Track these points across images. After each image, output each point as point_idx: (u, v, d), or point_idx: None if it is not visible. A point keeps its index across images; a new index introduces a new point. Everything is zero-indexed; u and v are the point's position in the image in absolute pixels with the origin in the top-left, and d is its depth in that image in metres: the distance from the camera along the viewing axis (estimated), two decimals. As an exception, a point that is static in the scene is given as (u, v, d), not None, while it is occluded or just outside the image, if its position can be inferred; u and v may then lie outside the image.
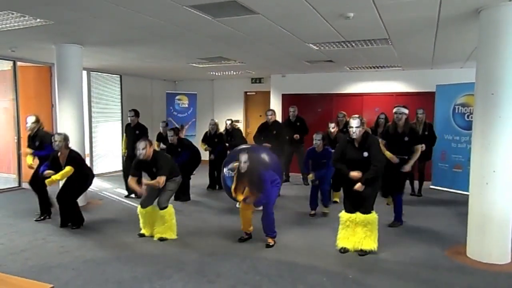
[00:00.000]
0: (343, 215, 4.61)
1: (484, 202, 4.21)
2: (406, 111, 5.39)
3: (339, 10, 4.43)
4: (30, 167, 5.75)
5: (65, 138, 5.29)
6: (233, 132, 8.30)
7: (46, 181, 5.17)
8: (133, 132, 7.07)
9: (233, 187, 4.90)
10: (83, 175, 5.40)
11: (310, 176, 6.05)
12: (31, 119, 5.80)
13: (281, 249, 4.67)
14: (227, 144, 8.05)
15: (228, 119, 8.53)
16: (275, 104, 10.64)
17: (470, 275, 3.97)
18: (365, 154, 4.39)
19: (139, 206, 5.13)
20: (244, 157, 4.65)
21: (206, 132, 8.04)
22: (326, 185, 6.20)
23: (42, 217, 5.78)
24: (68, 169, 5.16)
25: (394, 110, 5.43)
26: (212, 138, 7.98)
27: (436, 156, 8.36)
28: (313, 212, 6.22)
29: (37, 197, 5.81)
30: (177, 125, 9.25)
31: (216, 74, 10.62)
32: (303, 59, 7.90)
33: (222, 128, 8.35)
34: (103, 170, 10.13)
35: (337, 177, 6.80)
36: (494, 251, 4.22)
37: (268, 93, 10.95)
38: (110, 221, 5.79)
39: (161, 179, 4.81)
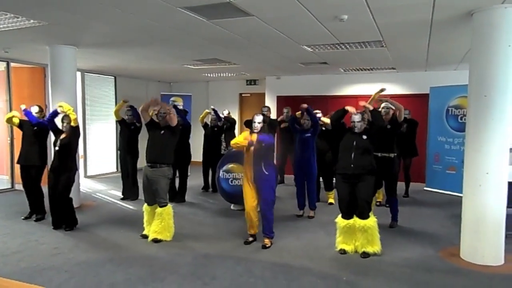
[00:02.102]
0: (340, 221, 4.59)
1: (478, 204, 4.24)
2: (393, 106, 5.55)
3: (333, 13, 4.44)
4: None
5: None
6: (230, 120, 8.35)
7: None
8: (129, 128, 7.13)
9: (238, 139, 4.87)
10: (71, 163, 5.41)
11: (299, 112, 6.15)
12: (34, 109, 5.80)
13: (276, 251, 4.66)
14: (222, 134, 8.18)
15: (224, 110, 8.63)
16: (270, 106, 10.57)
17: (464, 277, 3.99)
18: (364, 137, 4.46)
19: (145, 204, 5.15)
20: (259, 118, 4.78)
21: (207, 124, 8.08)
22: (313, 184, 6.21)
23: (29, 216, 5.89)
24: (74, 116, 5.32)
25: (382, 105, 5.59)
26: (213, 128, 8.05)
27: (429, 158, 8.43)
28: (300, 213, 6.25)
29: (27, 198, 5.88)
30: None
31: (211, 75, 10.62)
32: (297, 61, 7.92)
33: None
34: (96, 172, 10.08)
35: (327, 175, 6.83)
36: (488, 253, 4.24)
37: (263, 94, 10.97)
38: (103, 223, 5.75)
39: (175, 118, 5.05)
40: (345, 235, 4.58)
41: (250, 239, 4.95)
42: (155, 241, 4.91)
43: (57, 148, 5.35)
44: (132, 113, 7.14)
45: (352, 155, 4.45)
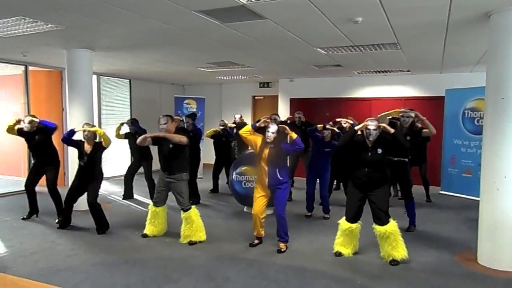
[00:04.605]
0: (343, 224, 4.54)
1: (495, 208, 4.16)
2: (413, 114, 5.53)
3: (348, 15, 4.42)
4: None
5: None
6: (241, 126, 8.33)
7: (96, 130, 5.41)
8: (134, 138, 7.17)
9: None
10: (98, 170, 5.52)
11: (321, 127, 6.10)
12: (27, 119, 5.73)
13: (289, 254, 4.65)
14: (234, 142, 8.19)
15: (237, 113, 8.62)
16: (283, 109, 10.65)
17: (481, 282, 3.92)
18: (379, 151, 4.33)
19: (151, 204, 5.24)
20: (273, 128, 4.63)
21: (216, 131, 8.06)
22: (325, 191, 6.23)
23: (29, 216, 6.04)
24: (110, 140, 5.39)
25: (401, 114, 5.55)
26: (221, 137, 8.04)
27: (445, 161, 8.31)
28: (309, 214, 6.31)
29: (28, 198, 6.01)
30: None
31: (224, 78, 10.66)
32: (311, 63, 7.90)
33: (230, 122, 8.56)
34: (111, 174, 10.17)
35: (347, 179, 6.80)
36: (505, 258, 4.15)
37: (276, 97, 10.97)
38: (118, 225, 5.81)
39: (183, 138, 4.91)
40: (345, 238, 4.54)
41: (256, 241, 4.94)
42: (191, 243, 4.93)
43: (83, 163, 5.35)
44: (133, 126, 7.29)
45: (366, 169, 4.35)
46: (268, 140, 4.64)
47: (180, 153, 5.03)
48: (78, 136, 5.56)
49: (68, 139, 5.43)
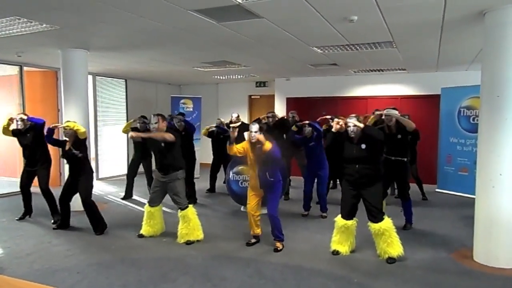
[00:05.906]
0: (339, 221, 4.57)
1: (491, 205, 4.18)
2: (396, 112, 5.43)
3: (343, 14, 4.43)
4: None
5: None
6: (244, 127, 8.29)
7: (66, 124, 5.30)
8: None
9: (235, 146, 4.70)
10: (87, 166, 5.47)
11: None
12: (19, 117, 5.71)
13: (286, 253, 4.65)
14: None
15: (233, 113, 8.59)
16: (280, 108, 10.64)
17: (477, 279, 3.94)
18: (363, 146, 4.35)
19: (147, 204, 5.23)
20: (255, 127, 4.57)
21: (213, 131, 8.02)
22: (323, 187, 6.24)
23: (23, 217, 6.05)
24: (83, 129, 5.28)
25: (384, 112, 5.45)
26: (218, 135, 8.00)
27: (441, 159, 8.34)
28: (306, 213, 6.33)
29: (23, 198, 6.01)
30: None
31: (221, 78, 10.65)
32: (307, 62, 7.91)
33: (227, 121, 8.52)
34: (108, 174, 10.16)
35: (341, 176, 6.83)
36: (501, 255, 4.18)
37: (273, 96, 10.97)
38: (115, 225, 5.79)
39: (168, 135, 4.85)
40: (342, 235, 4.56)
41: (253, 240, 4.95)
42: (188, 243, 4.92)
43: (66, 160, 5.34)
44: (143, 121, 7.19)
45: (357, 166, 4.37)
46: (253, 141, 4.58)
47: (172, 151, 5.01)
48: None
49: (50, 138, 5.40)
